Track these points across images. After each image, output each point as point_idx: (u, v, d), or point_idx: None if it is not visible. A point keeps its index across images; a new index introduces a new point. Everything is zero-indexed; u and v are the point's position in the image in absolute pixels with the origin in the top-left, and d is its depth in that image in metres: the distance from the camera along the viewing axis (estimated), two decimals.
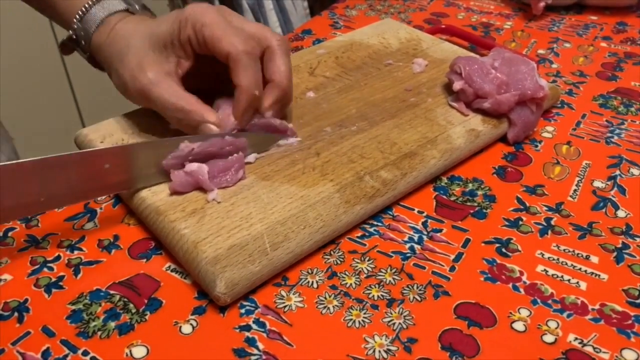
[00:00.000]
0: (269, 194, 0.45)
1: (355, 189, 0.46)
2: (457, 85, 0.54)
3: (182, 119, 0.47)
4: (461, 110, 0.55)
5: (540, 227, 0.46)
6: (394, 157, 0.49)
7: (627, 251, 0.44)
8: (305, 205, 0.44)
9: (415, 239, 0.45)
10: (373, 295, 0.40)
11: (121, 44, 0.49)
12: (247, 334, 0.38)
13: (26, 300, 0.40)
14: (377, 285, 0.41)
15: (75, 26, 0.52)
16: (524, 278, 0.42)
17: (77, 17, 0.52)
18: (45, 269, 0.42)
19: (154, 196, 0.44)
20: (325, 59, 0.63)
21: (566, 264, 0.43)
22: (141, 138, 0.50)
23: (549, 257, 0.43)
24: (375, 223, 0.46)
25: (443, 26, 0.74)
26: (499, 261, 0.43)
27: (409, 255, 0.44)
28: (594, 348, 0.37)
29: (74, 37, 0.53)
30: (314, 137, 0.51)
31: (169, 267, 0.42)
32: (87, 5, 0.52)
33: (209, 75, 0.51)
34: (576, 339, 0.38)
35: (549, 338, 0.38)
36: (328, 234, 0.43)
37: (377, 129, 0.52)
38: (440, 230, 0.46)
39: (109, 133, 0.50)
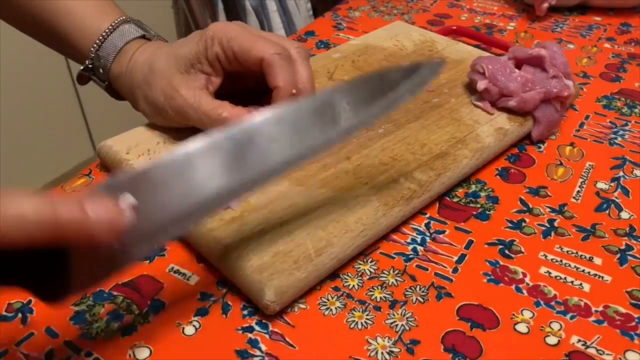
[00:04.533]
0: (305, 200, 0.44)
1: (392, 191, 0.45)
2: (481, 84, 0.54)
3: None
4: (486, 109, 0.54)
5: (544, 228, 0.46)
6: (425, 158, 0.49)
7: (630, 253, 0.44)
8: (344, 209, 0.43)
9: (418, 240, 0.45)
10: (376, 297, 0.40)
11: (144, 71, 0.49)
12: (249, 335, 0.38)
13: (30, 301, 0.40)
14: (379, 287, 0.41)
15: (93, 55, 0.51)
16: (527, 280, 0.42)
17: (94, 46, 0.51)
18: None
19: None
20: (342, 63, 0.63)
21: (569, 265, 0.43)
22: (167, 147, 0.49)
23: (552, 259, 0.43)
24: None
25: (454, 27, 0.74)
26: (501, 263, 0.43)
27: (411, 256, 0.44)
28: (597, 350, 0.37)
29: (91, 66, 0.52)
30: None
31: (172, 268, 0.42)
32: (104, 34, 0.50)
33: (227, 90, 0.50)
34: (579, 340, 0.38)
35: (552, 340, 0.38)
36: (369, 238, 0.43)
37: (403, 130, 0.52)
38: (443, 232, 0.46)
39: (134, 144, 0.50)
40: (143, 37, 0.52)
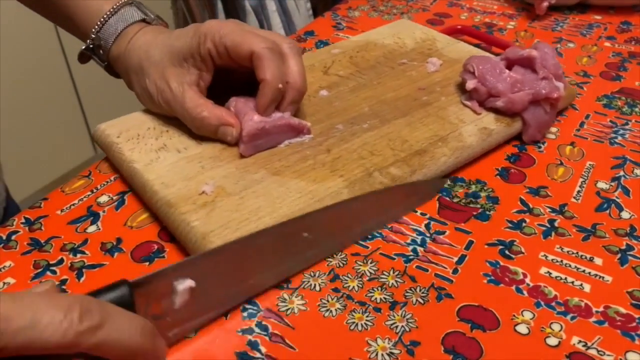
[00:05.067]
0: (278, 189, 0.45)
1: (364, 184, 0.46)
2: (470, 84, 0.54)
3: (203, 125, 0.49)
4: (474, 108, 0.54)
5: (544, 228, 0.46)
6: (404, 154, 0.49)
7: (631, 253, 0.44)
8: (314, 200, 0.44)
9: (418, 241, 0.45)
10: (376, 298, 0.40)
11: (140, 56, 0.51)
12: (249, 337, 0.38)
13: None
14: (379, 288, 0.41)
15: (94, 36, 0.53)
16: (527, 280, 0.42)
17: (96, 28, 0.53)
18: (48, 273, 0.42)
19: (166, 189, 0.45)
20: (340, 58, 0.64)
21: (570, 265, 0.43)
22: (156, 133, 0.51)
23: (552, 259, 0.43)
24: None
25: (459, 27, 0.74)
26: (502, 263, 0.43)
27: (411, 257, 0.43)
28: (598, 351, 0.37)
29: (92, 46, 0.54)
30: (326, 134, 0.51)
31: None
32: (105, 16, 0.52)
33: (220, 85, 0.52)
34: (580, 341, 0.37)
35: (552, 341, 0.38)
36: None
37: (388, 126, 0.52)
38: (443, 233, 0.46)
39: (125, 128, 0.51)
40: (143, 20, 0.54)
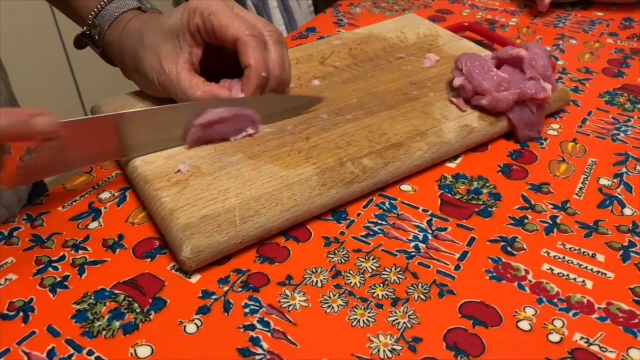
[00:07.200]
0: (251, 172, 0.46)
1: (335, 173, 0.47)
2: (458, 81, 0.54)
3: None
4: (459, 105, 0.54)
5: (546, 225, 0.46)
6: (380, 146, 0.49)
7: (633, 249, 0.44)
8: (282, 184, 0.45)
9: (420, 237, 0.45)
10: (377, 295, 0.40)
11: (134, 41, 0.52)
12: (251, 333, 0.38)
13: (31, 299, 0.40)
14: (381, 285, 0.41)
15: (90, 22, 0.55)
16: (529, 277, 0.42)
17: (92, 13, 0.54)
18: (50, 269, 0.42)
19: (146, 165, 0.47)
20: (339, 49, 0.64)
21: (572, 262, 0.43)
22: None
23: (554, 256, 0.43)
24: (379, 222, 0.46)
25: (466, 24, 0.74)
26: (504, 260, 0.43)
27: (413, 254, 0.43)
28: (600, 347, 0.37)
29: (88, 32, 0.55)
30: (309, 122, 0.52)
31: (174, 266, 0.42)
32: (103, 3, 0.54)
33: (215, 66, 0.53)
34: (582, 338, 0.37)
35: (554, 337, 0.37)
36: (300, 214, 0.45)
37: (371, 118, 0.53)
38: (445, 229, 0.45)
39: (120, 106, 0.53)
40: (139, 8, 0.55)
